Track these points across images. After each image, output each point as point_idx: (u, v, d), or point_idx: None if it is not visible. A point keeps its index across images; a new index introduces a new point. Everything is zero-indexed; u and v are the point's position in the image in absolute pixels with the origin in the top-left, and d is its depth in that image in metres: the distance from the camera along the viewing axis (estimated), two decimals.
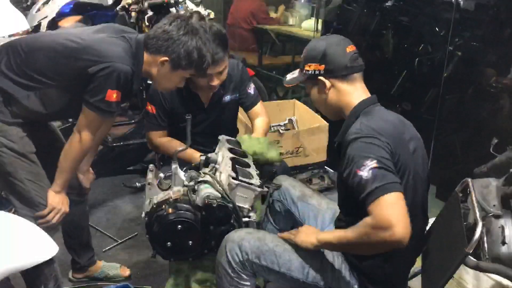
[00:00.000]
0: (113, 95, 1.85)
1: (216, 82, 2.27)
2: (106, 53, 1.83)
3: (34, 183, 1.98)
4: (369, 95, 1.70)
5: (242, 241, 1.73)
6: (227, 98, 2.43)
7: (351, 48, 1.69)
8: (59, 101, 1.95)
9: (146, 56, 1.93)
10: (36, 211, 1.98)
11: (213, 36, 2.14)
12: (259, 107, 2.50)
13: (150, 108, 2.38)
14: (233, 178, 1.86)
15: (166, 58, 1.89)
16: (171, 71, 1.93)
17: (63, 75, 1.89)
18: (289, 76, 1.84)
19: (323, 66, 1.66)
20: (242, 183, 1.85)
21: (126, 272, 2.52)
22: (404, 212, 1.36)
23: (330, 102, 1.70)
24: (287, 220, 2.06)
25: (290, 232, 1.75)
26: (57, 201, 2.01)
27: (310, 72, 1.69)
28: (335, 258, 1.69)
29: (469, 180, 1.66)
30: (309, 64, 1.69)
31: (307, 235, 1.66)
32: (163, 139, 2.39)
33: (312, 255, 1.69)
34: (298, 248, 1.69)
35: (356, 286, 1.66)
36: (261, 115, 2.49)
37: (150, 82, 3.18)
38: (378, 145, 1.45)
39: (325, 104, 1.72)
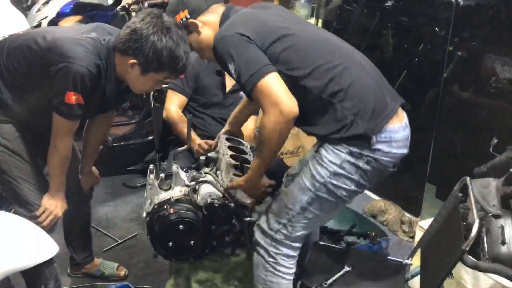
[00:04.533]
0: (72, 97, 1.74)
1: None
2: (66, 53, 1.74)
3: (28, 183, 1.97)
4: None
5: (259, 225, 1.78)
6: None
7: None
8: (39, 103, 1.88)
9: (116, 58, 1.81)
10: (30, 210, 1.98)
11: None
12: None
13: None
14: (234, 174, 1.87)
15: (134, 61, 1.76)
16: (141, 74, 1.79)
17: (35, 74, 1.83)
18: None
19: (185, 10, 1.77)
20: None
21: (122, 272, 2.52)
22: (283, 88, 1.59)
23: (208, 39, 1.77)
24: None
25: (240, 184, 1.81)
26: (50, 204, 1.99)
27: (179, 22, 1.78)
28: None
29: (468, 178, 1.67)
30: (174, 18, 1.78)
31: (248, 191, 1.81)
32: (178, 115, 2.44)
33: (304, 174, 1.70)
34: (290, 183, 1.74)
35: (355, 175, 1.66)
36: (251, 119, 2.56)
37: None
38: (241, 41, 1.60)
39: (206, 43, 1.78)
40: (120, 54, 1.80)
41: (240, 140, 2.16)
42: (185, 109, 2.52)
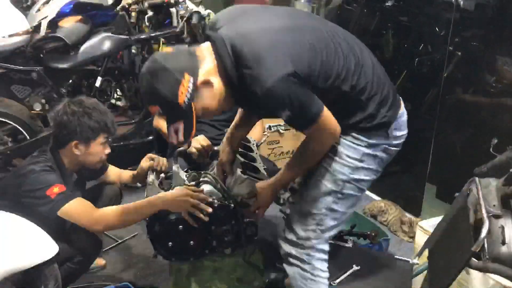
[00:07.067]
0: (53, 190, 1.92)
1: None
2: (32, 187, 1.96)
3: None
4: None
5: (286, 237, 1.77)
6: None
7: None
8: None
9: (61, 154, 2.06)
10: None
11: None
12: None
13: None
14: (241, 172, 1.87)
15: (75, 141, 2.01)
16: (86, 147, 2.04)
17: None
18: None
19: (185, 74, 1.47)
20: (251, 178, 1.86)
21: (102, 262, 2.57)
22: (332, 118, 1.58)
23: (220, 88, 1.56)
24: None
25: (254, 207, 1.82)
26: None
27: (188, 93, 1.48)
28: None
29: (476, 179, 1.66)
30: (180, 91, 1.46)
31: (268, 197, 1.78)
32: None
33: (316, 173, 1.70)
34: (307, 188, 1.72)
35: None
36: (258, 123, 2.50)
37: None
38: (297, 83, 1.46)
39: (220, 92, 1.56)
40: (62, 148, 2.05)
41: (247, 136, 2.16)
42: None
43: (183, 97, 1.47)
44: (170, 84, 1.46)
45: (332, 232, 1.76)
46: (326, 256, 1.78)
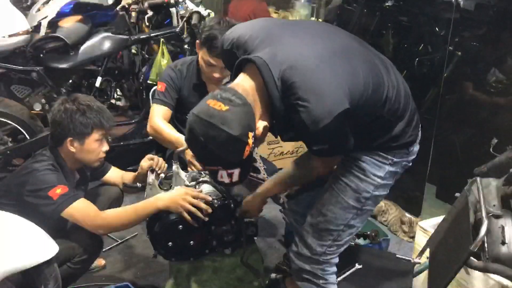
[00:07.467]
0: (56, 191, 1.91)
1: (217, 75, 2.29)
2: (40, 184, 1.95)
3: None
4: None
5: (299, 253, 1.75)
6: None
7: None
8: None
9: (62, 152, 2.05)
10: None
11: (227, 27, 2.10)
12: None
13: (160, 86, 2.41)
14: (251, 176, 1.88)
15: (70, 138, 2.01)
16: (80, 144, 2.03)
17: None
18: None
19: (249, 135, 1.39)
20: (252, 178, 1.87)
21: (102, 262, 2.56)
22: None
23: (269, 123, 1.51)
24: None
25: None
26: None
27: (252, 147, 1.41)
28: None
29: (478, 179, 1.67)
30: (246, 151, 1.40)
31: (252, 205, 1.84)
32: (162, 123, 2.33)
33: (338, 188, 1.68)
34: (323, 203, 1.69)
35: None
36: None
37: (150, 82, 3.23)
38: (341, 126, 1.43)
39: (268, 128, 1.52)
40: (60, 146, 2.04)
41: None
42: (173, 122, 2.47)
43: (247, 153, 1.41)
44: (237, 150, 1.39)
45: (345, 246, 1.76)
46: (336, 269, 1.79)
